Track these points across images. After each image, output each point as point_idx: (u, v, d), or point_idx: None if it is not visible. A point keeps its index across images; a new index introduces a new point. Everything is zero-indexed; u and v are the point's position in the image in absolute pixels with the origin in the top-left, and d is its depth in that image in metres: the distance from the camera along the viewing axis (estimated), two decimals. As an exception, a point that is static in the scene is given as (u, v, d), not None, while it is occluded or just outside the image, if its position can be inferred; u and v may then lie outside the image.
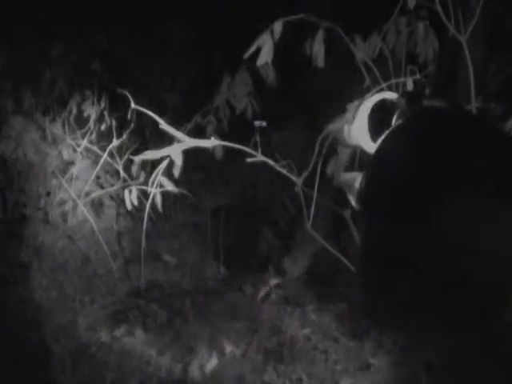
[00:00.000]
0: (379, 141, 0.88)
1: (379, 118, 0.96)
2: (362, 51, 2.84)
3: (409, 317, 0.84)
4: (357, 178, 0.91)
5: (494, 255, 0.78)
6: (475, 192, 0.77)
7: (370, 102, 1.00)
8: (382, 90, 2.66)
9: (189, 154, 2.99)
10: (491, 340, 0.84)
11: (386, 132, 0.87)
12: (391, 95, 0.99)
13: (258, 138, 2.83)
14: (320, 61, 2.75)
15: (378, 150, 0.88)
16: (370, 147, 0.93)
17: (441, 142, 0.81)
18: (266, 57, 2.61)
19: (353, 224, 2.92)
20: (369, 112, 0.99)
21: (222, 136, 3.27)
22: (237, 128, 3.39)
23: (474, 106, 2.72)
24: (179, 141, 2.92)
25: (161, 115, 3.22)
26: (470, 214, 0.77)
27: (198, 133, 3.35)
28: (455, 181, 0.78)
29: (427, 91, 2.75)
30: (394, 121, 0.90)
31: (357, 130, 0.98)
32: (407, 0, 2.68)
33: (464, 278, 0.79)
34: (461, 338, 0.84)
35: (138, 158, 3.10)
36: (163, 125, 2.89)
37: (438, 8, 2.65)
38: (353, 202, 0.93)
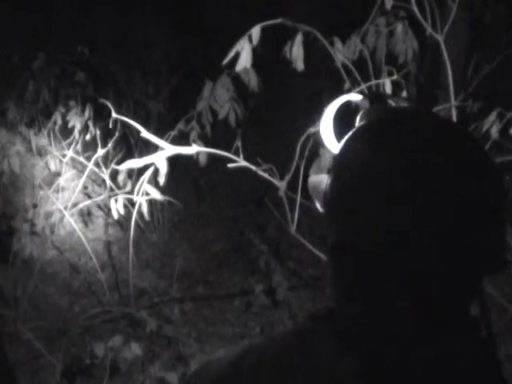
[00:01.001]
0: (342, 142, 0.89)
1: (344, 120, 0.97)
2: (342, 53, 2.84)
3: (377, 314, 0.84)
4: (323, 181, 0.91)
5: (463, 251, 0.79)
6: (437, 190, 0.78)
7: (335, 103, 1.00)
8: (362, 91, 2.67)
9: (174, 161, 2.99)
10: None
11: (349, 133, 0.88)
12: (356, 96, 0.99)
13: (239, 143, 2.82)
14: (299, 64, 2.74)
15: (340, 151, 0.88)
16: (335, 148, 0.93)
17: (402, 143, 0.81)
18: (244, 62, 2.61)
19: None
20: (333, 113, 0.99)
21: (205, 142, 3.26)
22: (220, 134, 3.39)
23: (453, 104, 2.73)
24: (162, 148, 2.92)
25: (145, 123, 3.22)
26: (433, 212, 0.78)
27: (183, 140, 3.34)
28: (417, 181, 0.78)
29: (405, 92, 2.76)
30: (358, 122, 0.91)
31: (322, 131, 0.99)
32: (384, 0, 2.68)
33: (425, 275, 0.79)
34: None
35: (121, 167, 3.10)
36: (144, 133, 2.89)
37: (415, 8, 2.65)
38: (318, 205, 0.93)
